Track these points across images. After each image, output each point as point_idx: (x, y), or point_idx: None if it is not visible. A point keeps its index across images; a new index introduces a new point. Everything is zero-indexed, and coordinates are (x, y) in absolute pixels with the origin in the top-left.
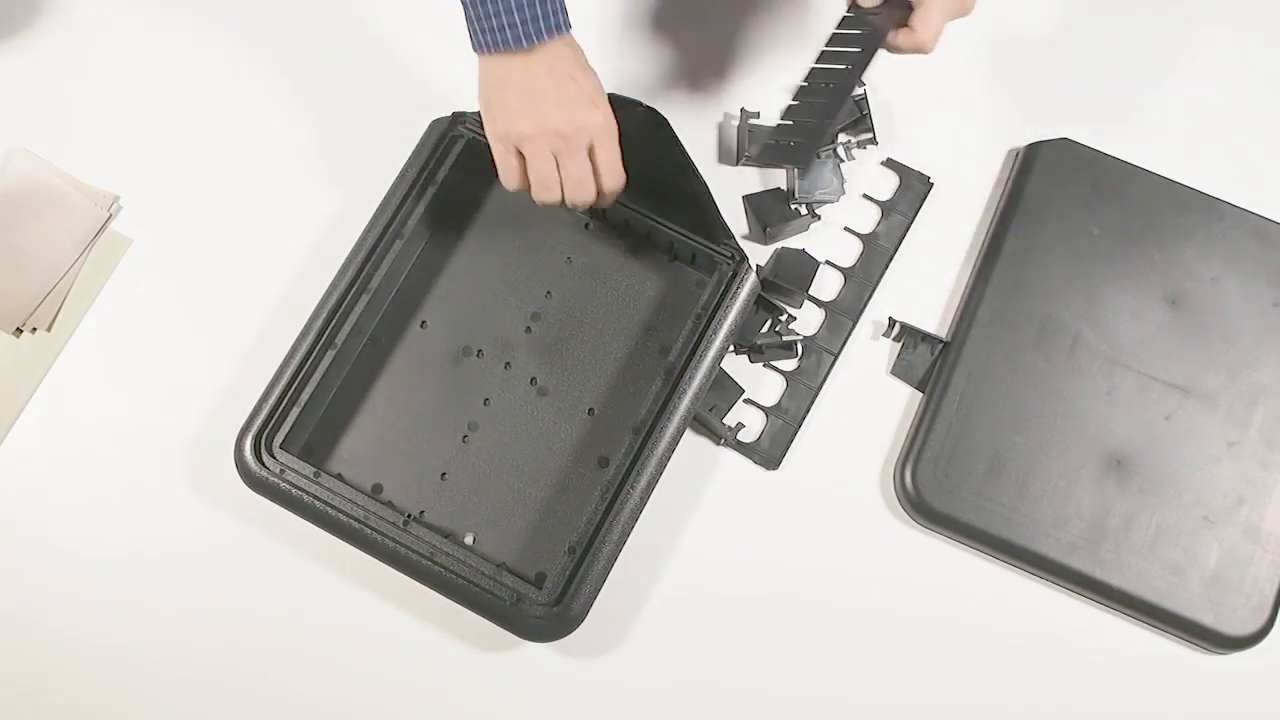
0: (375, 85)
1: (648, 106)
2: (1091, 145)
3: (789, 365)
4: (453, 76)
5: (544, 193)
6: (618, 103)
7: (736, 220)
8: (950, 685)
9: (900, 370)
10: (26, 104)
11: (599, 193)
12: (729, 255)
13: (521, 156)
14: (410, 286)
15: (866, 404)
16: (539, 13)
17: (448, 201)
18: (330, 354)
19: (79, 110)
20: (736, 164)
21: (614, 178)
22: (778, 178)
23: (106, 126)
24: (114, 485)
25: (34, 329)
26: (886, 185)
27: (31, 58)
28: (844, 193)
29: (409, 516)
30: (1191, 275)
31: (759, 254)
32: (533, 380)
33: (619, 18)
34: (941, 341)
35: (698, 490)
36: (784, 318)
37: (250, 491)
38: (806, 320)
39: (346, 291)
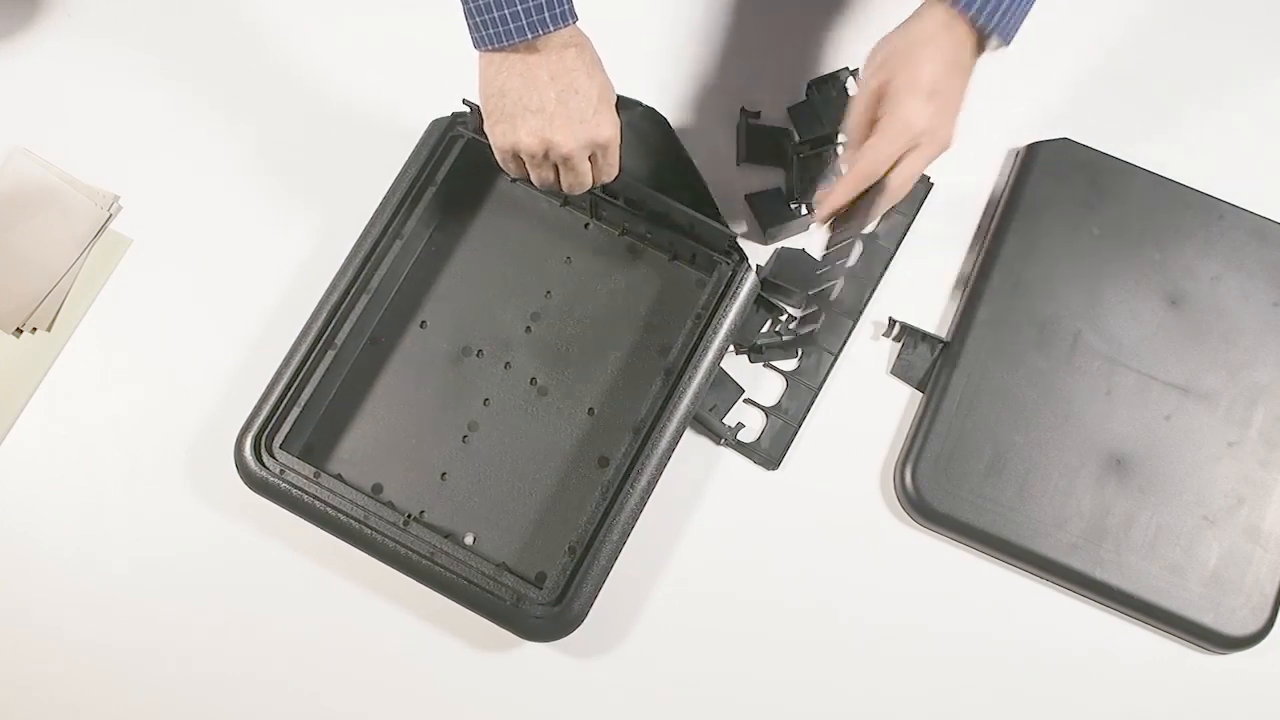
0: (375, 85)
1: (648, 107)
2: (1091, 145)
3: (789, 365)
4: (452, 77)
5: (542, 186)
6: (620, 103)
7: (737, 220)
8: (949, 684)
9: (900, 370)
10: (26, 104)
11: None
12: (729, 255)
13: (523, 159)
14: (410, 286)
15: (866, 404)
16: (542, 1)
17: (447, 201)
18: (330, 354)
19: (79, 110)
20: (737, 164)
21: (610, 176)
22: (778, 178)
23: (106, 126)
24: (114, 485)
25: (34, 329)
26: None
27: (31, 58)
28: None
29: (409, 516)
30: (1191, 275)
31: (759, 254)
32: (533, 380)
33: (621, 16)
34: (941, 341)
35: (698, 490)
36: (784, 317)
37: (250, 492)
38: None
39: (346, 291)
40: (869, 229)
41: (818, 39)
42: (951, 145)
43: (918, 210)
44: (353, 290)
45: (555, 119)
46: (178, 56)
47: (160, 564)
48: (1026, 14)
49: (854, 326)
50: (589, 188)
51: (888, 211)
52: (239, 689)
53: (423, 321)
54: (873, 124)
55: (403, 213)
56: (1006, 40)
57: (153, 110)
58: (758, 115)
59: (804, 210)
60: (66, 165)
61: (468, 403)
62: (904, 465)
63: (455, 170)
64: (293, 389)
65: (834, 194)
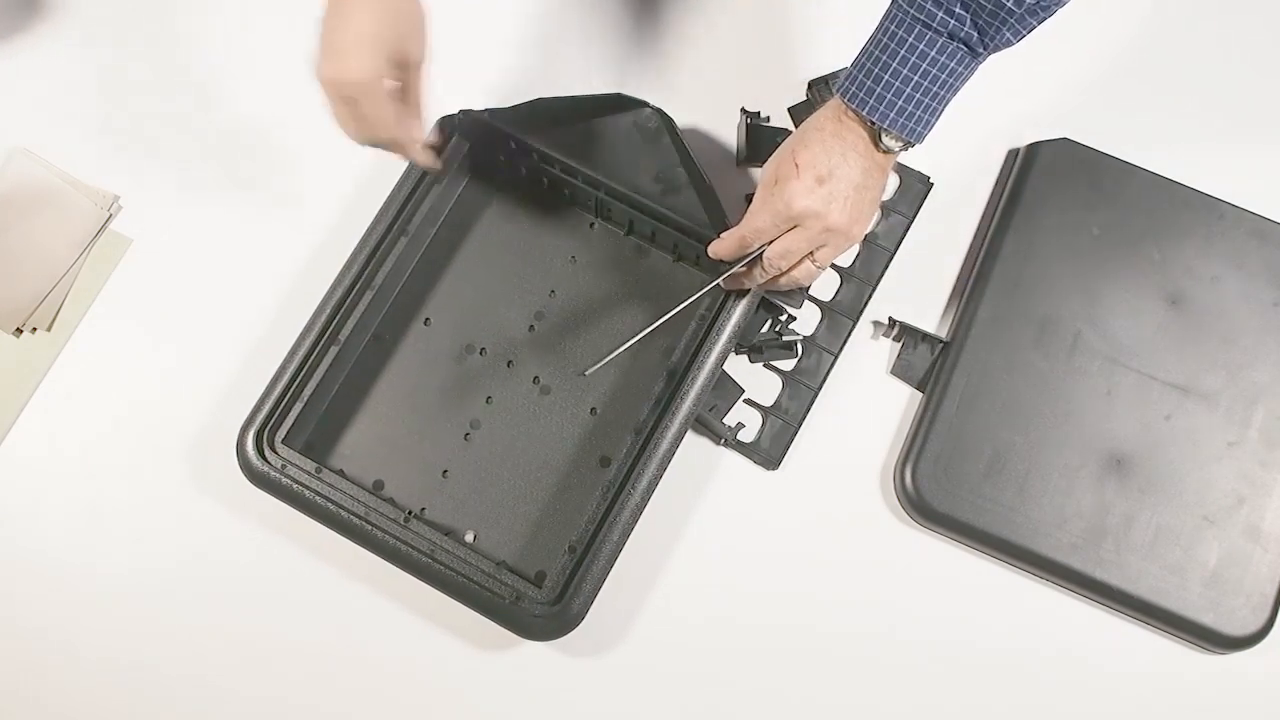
0: None
1: (655, 107)
2: (1091, 145)
3: (789, 365)
4: (458, 75)
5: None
6: (625, 103)
7: (738, 221)
8: (949, 685)
9: (900, 370)
10: (26, 104)
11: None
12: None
13: None
14: (414, 284)
15: (866, 404)
16: None
17: (453, 199)
18: (333, 350)
19: (79, 110)
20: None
21: (382, 129)
22: None
23: (106, 126)
24: (115, 483)
25: (34, 329)
26: (887, 186)
27: (31, 58)
28: None
29: (410, 513)
30: (1191, 275)
31: None
32: (535, 379)
33: (626, 18)
34: (941, 341)
35: (698, 490)
36: (784, 318)
37: (252, 487)
38: (806, 320)
39: (351, 288)
40: (755, 289)
41: (818, 39)
42: (853, 232)
43: (917, 210)
44: (357, 286)
45: (322, 48)
46: (178, 55)
47: (162, 560)
48: (935, 112)
49: (854, 326)
50: (380, 140)
51: (887, 212)
52: (238, 684)
53: (426, 319)
54: None
55: (408, 209)
56: (910, 138)
57: (153, 110)
58: (758, 115)
59: None
60: (66, 165)
61: (470, 401)
62: (904, 465)
63: (461, 168)
64: (295, 385)
65: (719, 243)
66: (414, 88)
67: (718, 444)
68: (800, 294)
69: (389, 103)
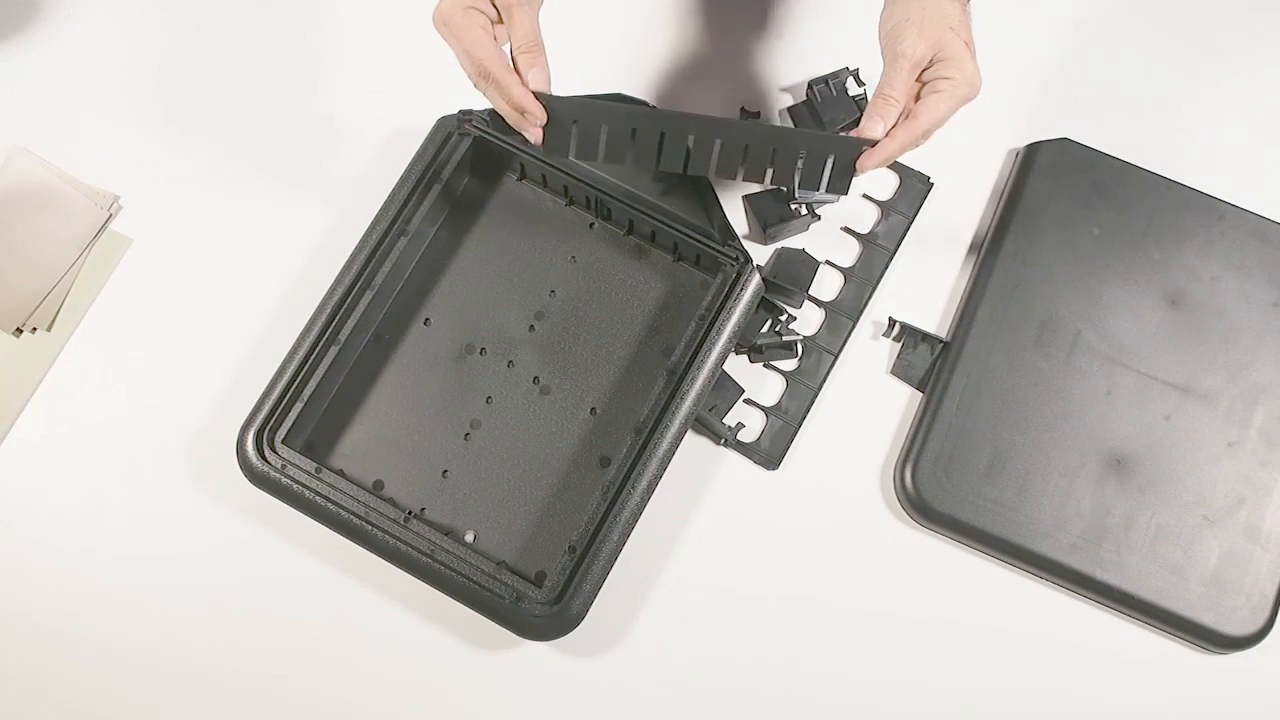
0: (382, 81)
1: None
2: (1091, 145)
3: (789, 365)
4: (459, 74)
5: None
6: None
7: (736, 220)
8: (949, 685)
9: (900, 370)
10: (26, 104)
11: None
12: (733, 257)
13: None
14: (414, 283)
15: (866, 404)
16: None
17: (453, 199)
18: (333, 350)
19: (79, 110)
20: None
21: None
22: None
23: (106, 126)
24: (115, 483)
25: (34, 329)
26: (886, 185)
27: (32, 57)
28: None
29: (410, 513)
30: (1191, 275)
31: (759, 254)
32: (535, 379)
33: (622, 16)
34: (941, 341)
35: (698, 490)
36: (784, 318)
37: (252, 487)
38: (806, 320)
39: (350, 288)
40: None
41: (818, 39)
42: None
43: (918, 210)
44: (357, 286)
45: None
46: (178, 55)
47: (162, 560)
48: None
49: (854, 326)
50: (483, 70)
51: (887, 212)
52: (238, 684)
53: (426, 319)
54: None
55: (408, 209)
56: None
57: (153, 110)
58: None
59: (804, 210)
60: (66, 165)
61: (470, 401)
62: (904, 465)
63: (461, 167)
64: (295, 385)
65: (883, 151)
66: (511, 27)
67: (718, 444)
68: (800, 294)
69: (478, 36)
